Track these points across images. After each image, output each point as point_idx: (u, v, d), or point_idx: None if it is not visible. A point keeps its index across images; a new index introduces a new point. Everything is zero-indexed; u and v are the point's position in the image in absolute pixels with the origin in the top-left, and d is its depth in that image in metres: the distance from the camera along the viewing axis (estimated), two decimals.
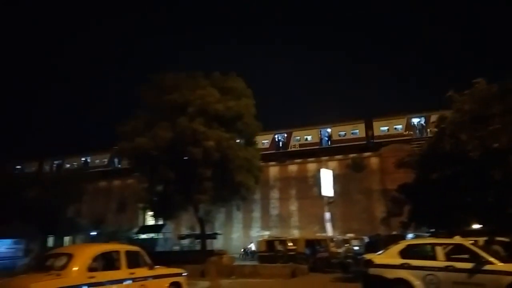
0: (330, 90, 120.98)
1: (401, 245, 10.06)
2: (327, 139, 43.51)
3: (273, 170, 43.13)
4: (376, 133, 41.19)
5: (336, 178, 34.62)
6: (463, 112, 14.53)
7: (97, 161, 52.78)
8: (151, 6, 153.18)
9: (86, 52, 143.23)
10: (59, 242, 32.69)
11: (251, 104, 22.51)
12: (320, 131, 43.71)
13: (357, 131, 42.27)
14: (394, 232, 22.63)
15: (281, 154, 43.69)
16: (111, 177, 49.23)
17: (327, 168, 33.78)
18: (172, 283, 9.14)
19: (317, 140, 43.42)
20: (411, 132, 39.78)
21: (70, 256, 7.40)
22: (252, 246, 32.58)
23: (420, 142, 27.12)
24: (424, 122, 39.81)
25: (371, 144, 40.61)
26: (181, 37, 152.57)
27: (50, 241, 32.25)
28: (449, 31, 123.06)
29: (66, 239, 35.36)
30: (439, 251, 9.14)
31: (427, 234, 19.16)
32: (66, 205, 31.28)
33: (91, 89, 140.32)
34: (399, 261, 9.39)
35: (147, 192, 22.70)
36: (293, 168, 43.13)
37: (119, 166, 47.76)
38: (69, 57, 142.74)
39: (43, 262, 7.89)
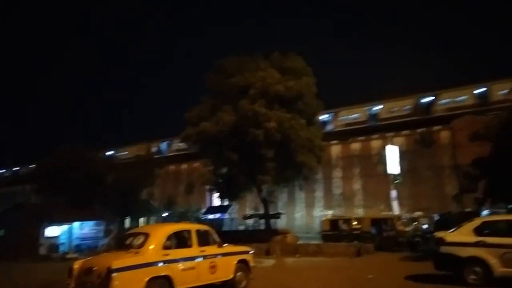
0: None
1: (476, 222, 9.55)
2: None
3: (336, 149, 42.35)
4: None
5: (403, 155, 33.29)
6: None
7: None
8: None
9: (156, 45, 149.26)
10: (134, 223, 35.13)
11: (312, 83, 22.18)
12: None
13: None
14: (468, 209, 21.41)
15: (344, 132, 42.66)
16: (179, 161, 51.66)
17: (392, 144, 32.51)
18: (240, 261, 9.44)
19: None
20: None
21: (146, 236, 7.95)
22: None
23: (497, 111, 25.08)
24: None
25: None
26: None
27: (127, 222, 34.73)
28: None
29: (141, 220, 37.85)
30: None
31: (504, 211, 17.92)
32: (140, 188, 33.34)
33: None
34: (474, 239, 8.93)
35: (212, 174, 23.52)
36: (356, 146, 42.04)
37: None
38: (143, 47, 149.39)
39: (123, 241, 8.57)
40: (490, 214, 18.36)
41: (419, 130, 38.58)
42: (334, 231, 21.72)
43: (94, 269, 7.18)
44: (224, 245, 9.19)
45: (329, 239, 21.23)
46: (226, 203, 35.44)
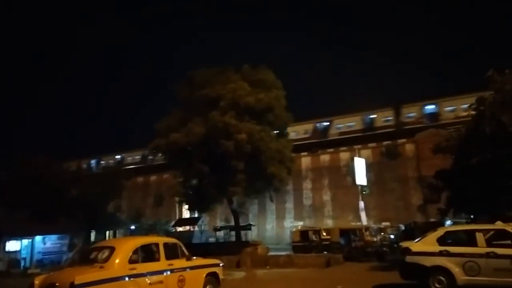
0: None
1: (439, 232, 9.82)
2: None
3: (305, 161, 42.93)
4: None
5: (370, 167, 34.11)
6: (504, 92, 13.96)
7: (130, 158, 55.49)
8: None
9: (138, 56, 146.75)
10: (100, 237, 34.02)
11: (281, 96, 22.48)
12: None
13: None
14: (432, 219, 22.11)
15: (314, 144, 43.69)
16: (147, 172, 50.68)
17: (360, 156, 33.29)
18: (209, 274, 9.31)
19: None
20: None
21: (112, 249, 7.69)
22: None
23: (457, 126, 26.31)
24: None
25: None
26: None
27: (93, 236, 33.61)
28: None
29: (107, 233, 36.72)
30: (480, 237, 8.87)
31: (465, 221, 18.64)
32: (106, 201, 32.37)
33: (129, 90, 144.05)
34: (437, 248, 9.19)
35: (182, 186, 23.22)
36: (325, 157, 42.80)
37: (153, 162, 49.38)
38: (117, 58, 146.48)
39: (87, 256, 8.25)
40: (452, 224, 19.04)
41: (385, 143, 39.83)
42: (304, 242, 21.86)
43: (56, 285, 6.88)
44: (193, 258, 9.05)
45: (299, 250, 21.36)
46: (196, 215, 35.03)
